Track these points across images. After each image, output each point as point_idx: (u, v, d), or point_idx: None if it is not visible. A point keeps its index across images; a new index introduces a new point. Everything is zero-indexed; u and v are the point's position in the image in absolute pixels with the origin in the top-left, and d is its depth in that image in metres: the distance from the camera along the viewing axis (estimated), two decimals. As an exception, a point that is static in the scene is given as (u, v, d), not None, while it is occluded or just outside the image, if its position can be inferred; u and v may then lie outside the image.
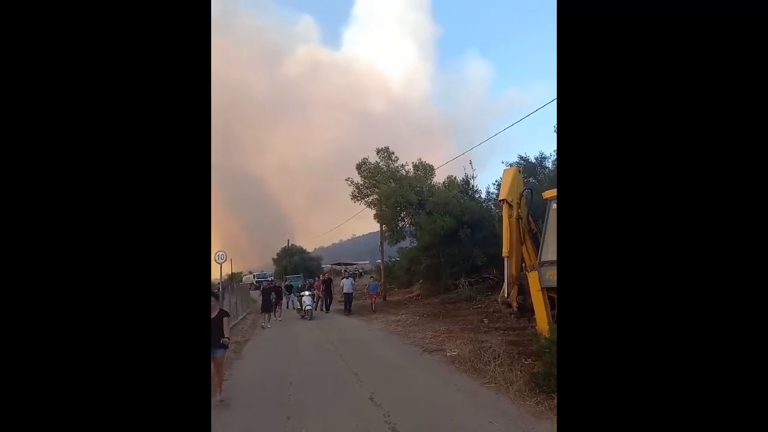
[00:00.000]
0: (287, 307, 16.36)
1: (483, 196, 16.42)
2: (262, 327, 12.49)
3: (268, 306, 13.42)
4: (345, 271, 25.25)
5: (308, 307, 14.19)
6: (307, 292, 15.73)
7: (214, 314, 5.16)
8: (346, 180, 18.33)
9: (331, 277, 19.07)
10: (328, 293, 16.31)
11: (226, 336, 5.16)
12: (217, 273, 14.51)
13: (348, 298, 15.25)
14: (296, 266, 37.02)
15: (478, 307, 11.78)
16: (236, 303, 14.17)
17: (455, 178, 17.31)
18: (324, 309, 15.94)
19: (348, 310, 15.04)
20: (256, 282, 20.39)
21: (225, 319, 5.24)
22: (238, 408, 4.83)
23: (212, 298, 5.16)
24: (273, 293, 13.85)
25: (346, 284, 15.77)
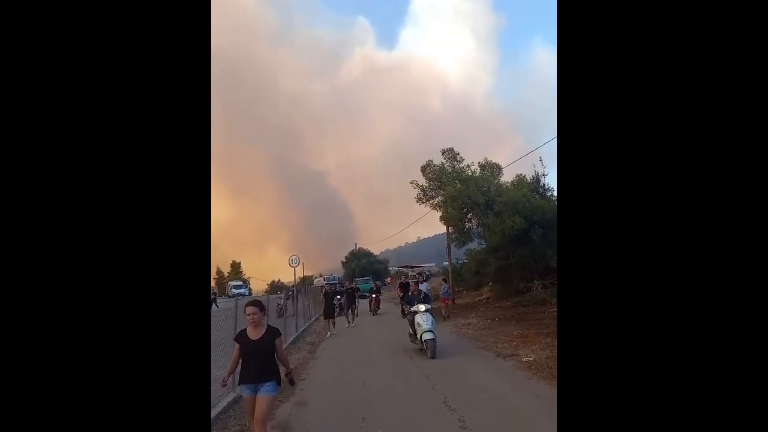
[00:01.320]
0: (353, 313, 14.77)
1: (555, 194, 15.64)
2: (328, 336, 11.67)
3: (331, 311, 12.49)
4: (419, 275, 24.99)
5: (428, 335, 7.58)
6: (424, 308, 10.54)
7: (258, 334, 3.59)
8: (411, 183, 18.37)
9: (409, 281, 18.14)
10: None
11: (287, 368, 3.76)
12: (291, 276, 15.18)
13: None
14: (363, 269, 37.70)
15: (554, 311, 11.21)
16: (309, 304, 14.74)
17: (524, 176, 16.66)
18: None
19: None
20: (326, 284, 21.16)
21: (278, 341, 3.63)
22: (314, 408, 5.02)
23: (254, 308, 3.61)
24: (339, 296, 13.31)
25: (422, 288, 15.62)
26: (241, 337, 3.65)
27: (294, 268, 15.63)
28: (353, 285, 18.71)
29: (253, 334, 3.59)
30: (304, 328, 13.37)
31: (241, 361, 3.62)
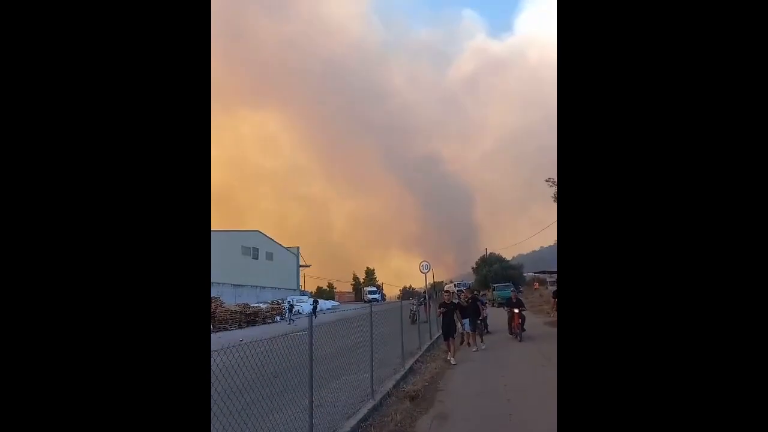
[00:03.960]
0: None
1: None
2: (451, 362, 8.48)
3: (449, 330, 9.15)
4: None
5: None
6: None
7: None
8: (547, 181, 16.91)
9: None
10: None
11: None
12: (419, 281, 15.15)
13: None
14: (496, 275, 36.10)
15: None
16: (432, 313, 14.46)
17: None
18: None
19: None
20: (457, 290, 20.46)
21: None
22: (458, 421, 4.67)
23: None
24: (459, 312, 9.85)
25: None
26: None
27: (425, 274, 15.61)
28: (473, 294, 12.25)
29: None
30: (431, 342, 11.49)
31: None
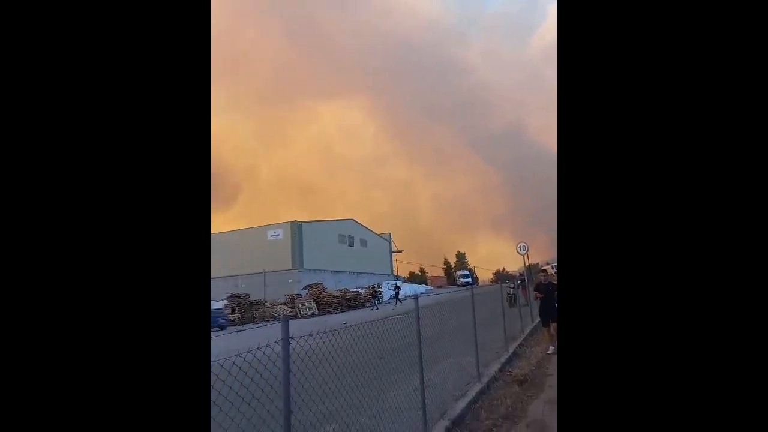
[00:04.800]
0: None
1: None
2: (550, 352, 7.20)
3: (548, 314, 7.87)
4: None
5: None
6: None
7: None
8: None
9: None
10: None
11: None
12: (515, 264, 14.57)
13: None
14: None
15: None
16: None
17: None
18: None
19: None
20: (555, 272, 18.96)
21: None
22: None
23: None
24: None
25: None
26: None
27: (523, 255, 14.92)
28: (548, 275, 9.88)
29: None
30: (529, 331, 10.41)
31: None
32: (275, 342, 2.49)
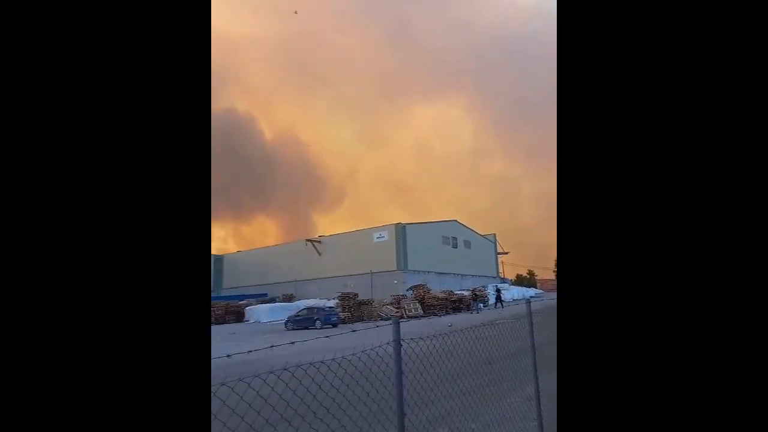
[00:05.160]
0: None
1: None
2: None
3: None
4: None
5: None
6: None
7: None
8: None
9: None
10: None
11: None
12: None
13: None
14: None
15: None
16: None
17: None
18: None
19: None
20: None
21: None
22: None
23: None
24: None
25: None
26: None
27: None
28: None
29: None
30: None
31: None
32: (387, 343, 2.59)
